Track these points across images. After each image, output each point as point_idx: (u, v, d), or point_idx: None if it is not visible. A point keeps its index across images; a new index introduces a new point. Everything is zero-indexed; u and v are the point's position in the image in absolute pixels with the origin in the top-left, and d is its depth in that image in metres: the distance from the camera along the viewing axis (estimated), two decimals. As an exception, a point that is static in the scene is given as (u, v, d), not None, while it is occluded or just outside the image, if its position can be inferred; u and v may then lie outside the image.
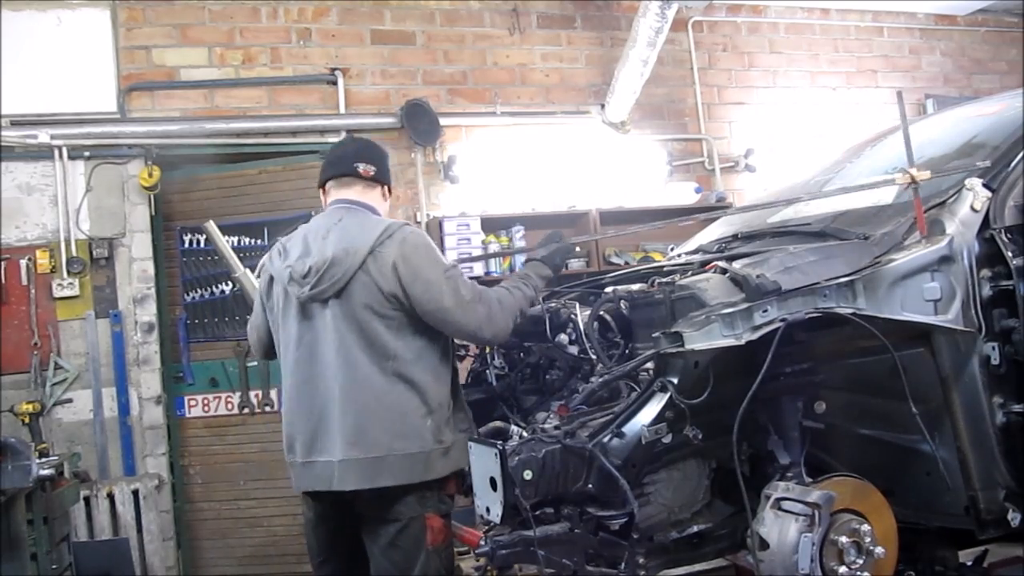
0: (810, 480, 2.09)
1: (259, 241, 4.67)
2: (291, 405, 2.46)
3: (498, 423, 2.46)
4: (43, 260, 4.42)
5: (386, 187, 2.65)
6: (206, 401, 4.82)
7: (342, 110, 4.99)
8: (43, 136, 4.43)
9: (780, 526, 1.95)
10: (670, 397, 2.01)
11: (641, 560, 2.13)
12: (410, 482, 2.33)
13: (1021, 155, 2.37)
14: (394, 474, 2.32)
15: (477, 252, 4.88)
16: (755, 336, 1.97)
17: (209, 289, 4.81)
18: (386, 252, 2.35)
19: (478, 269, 4.87)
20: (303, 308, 2.41)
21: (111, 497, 4.25)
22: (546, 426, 2.17)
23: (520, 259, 5.10)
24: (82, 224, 4.52)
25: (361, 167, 2.55)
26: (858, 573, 1.99)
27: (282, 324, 2.49)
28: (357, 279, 2.34)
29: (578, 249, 2.91)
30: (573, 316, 2.58)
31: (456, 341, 2.58)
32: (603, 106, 5.47)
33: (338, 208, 2.52)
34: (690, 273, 2.45)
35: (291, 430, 2.45)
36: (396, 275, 2.34)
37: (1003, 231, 2.25)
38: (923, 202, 2.36)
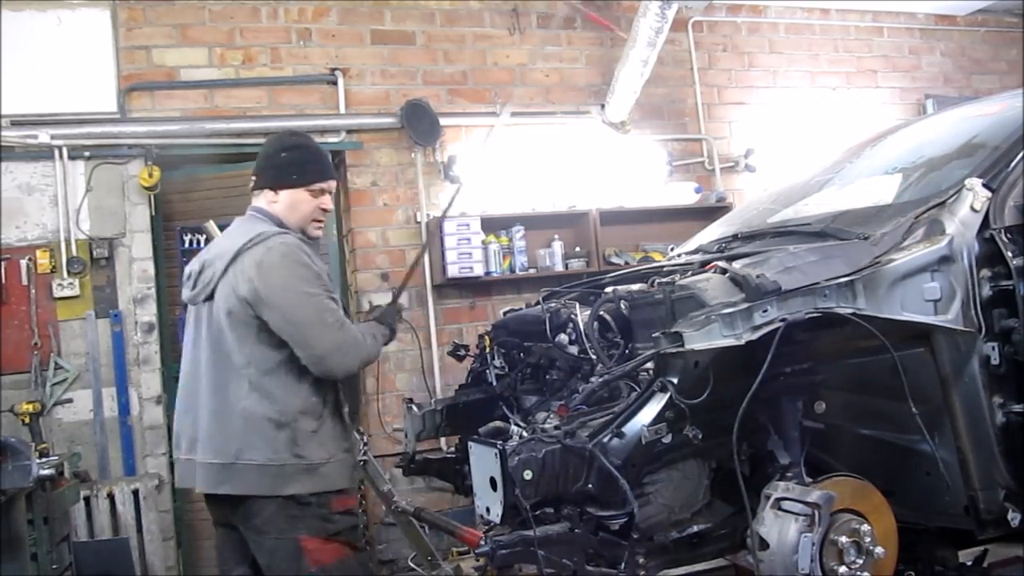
0: (810, 480, 2.09)
1: (259, 241, 4.66)
2: (178, 403, 2.57)
3: (498, 423, 2.46)
4: (43, 260, 4.42)
5: (271, 189, 2.54)
6: (206, 401, 4.81)
7: (342, 110, 4.99)
8: (43, 136, 4.43)
9: (780, 526, 1.95)
10: (670, 397, 2.01)
11: (641, 560, 2.13)
12: (259, 494, 2.30)
13: (1021, 155, 2.37)
14: (240, 483, 2.32)
15: (477, 252, 4.87)
16: (755, 336, 1.97)
17: (209, 289, 4.80)
18: (248, 257, 2.36)
19: (478, 270, 4.87)
20: (191, 310, 2.55)
21: (111, 497, 4.24)
22: (546, 426, 2.17)
23: (521, 260, 5.11)
24: (82, 224, 4.52)
25: (252, 180, 2.58)
26: (858, 573, 1.99)
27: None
28: (222, 283, 2.38)
29: (405, 312, 2.86)
30: (573, 316, 2.59)
31: None
32: (603, 106, 5.47)
33: (242, 217, 2.59)
34: (690, 273, 2.45)
35: (178, 427, 2.54)
36: (251, 280, 2.33)
37: (1003, 231, 2.25)
38: (923, 202, 2.36)
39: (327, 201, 2.59)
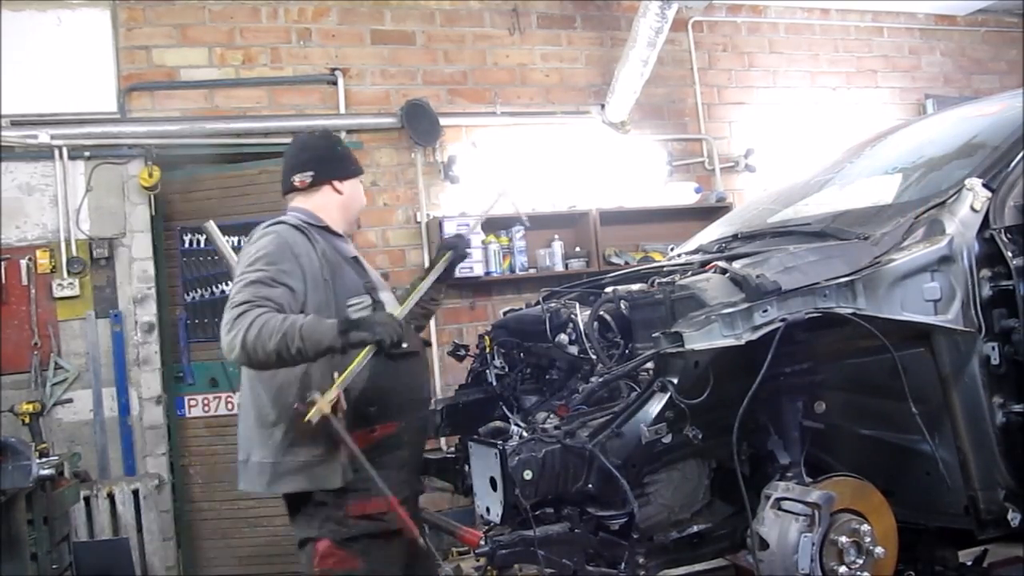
0: (810, 480, 2.09)
1: (259, 241, 4.66)
2: None
3: (498, 423, 2.46)
4: (43, 260, 4.41)
5: (337, 180, 2.55)
6: (206, 401, 4.81)
7: (342, 110, 4.99)
8: (43, 136, 4.43)
9: (780, 526, 1.95)
10: (670, 397, 2.01)
11: (641, 560, 2.13)
12: (260, 491, 2.35)
13: (1021, 155, 2.37)
14: (249, 480, 2.36)
15: (477, 252, 4.86)
16: (755, 336, 1.97)
17: (209, 289, 4.80)
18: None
19: (478, 270, 4.87)
20: None
21: (111, 497, 4.24)
22: (546, 426, 2.17)
23: (521, 260, 5.11)
24: (82, 224, 4.51)
25: (297, 179, 2.54)
26: (858, 573, 1.99)
27: None
28: None
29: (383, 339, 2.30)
30: (573, 316, 2.58)
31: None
32: (603, 106, 5.47)
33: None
34: (690, 273, 2.45)
35: None
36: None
37: (1003, 231, 2.25)
38: (923, 202, 2.36)
39: None
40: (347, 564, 2.25)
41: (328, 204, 2.53)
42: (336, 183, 2.54)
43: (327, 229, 2.50)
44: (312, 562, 2.28)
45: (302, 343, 2.12)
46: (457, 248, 2.62)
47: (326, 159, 2.57)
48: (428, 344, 2.74)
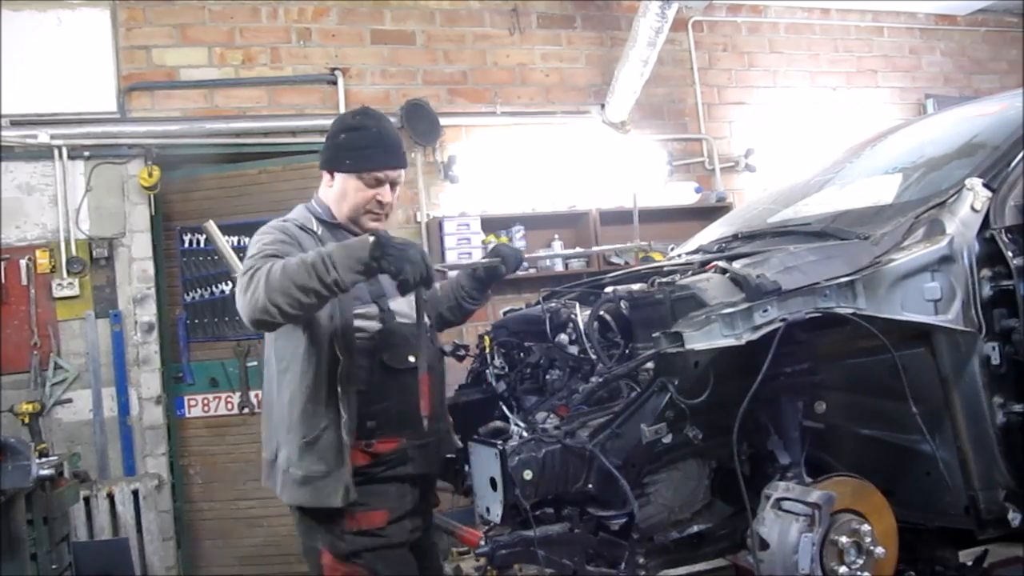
0: (810, 480, 2.09)
1: (259, 241, 4.66)
2: None
3: (498, 423, 2.45)
4: (43, 260, 4.42)
5: (326, 171, 2.35)
6: (206, 401, 4.82)
7: (342, 110, 4.99)
8: (43, 136, 4.43)
9: (780, 526, 1.95)
10: (670, 397, 2.00)
11: (641, 560, 2.12)
12: (277, 496, 2.26)
13: (1021, 155, 2.37)
14: (271, 480, 2.29)
15: (477, 252, 4.87)
16: (755, 336, 1.96)
17: (209, 289, 4.81)
18: None
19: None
20: None
21: (111, 497, 4.25)
22: (546, 426, 2.17)
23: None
24: (82, 224, 4.51)
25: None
26: (858, 573, 1.99)
27: None
28: None
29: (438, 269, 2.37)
30: (573, 316, 2.58)
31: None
32: (603, 106, 5.47)
33: None
34: (690, 273, 2.45)
35: None
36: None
37: (1003, 231, 2.25)
38: (923, 202, 2.36)
39: (385, 193, 2.30)
40: None
41: (330, 196, 2.35)
42: (326, 175, 2.35)
43: (340, 226, 2.32)
44: (319, 573, 2.22)
45: (333, 267, 1.94)
46: (507, 261, 2.48)
47: (327, 147, 2.36)
48: (446, 354, 2.56)
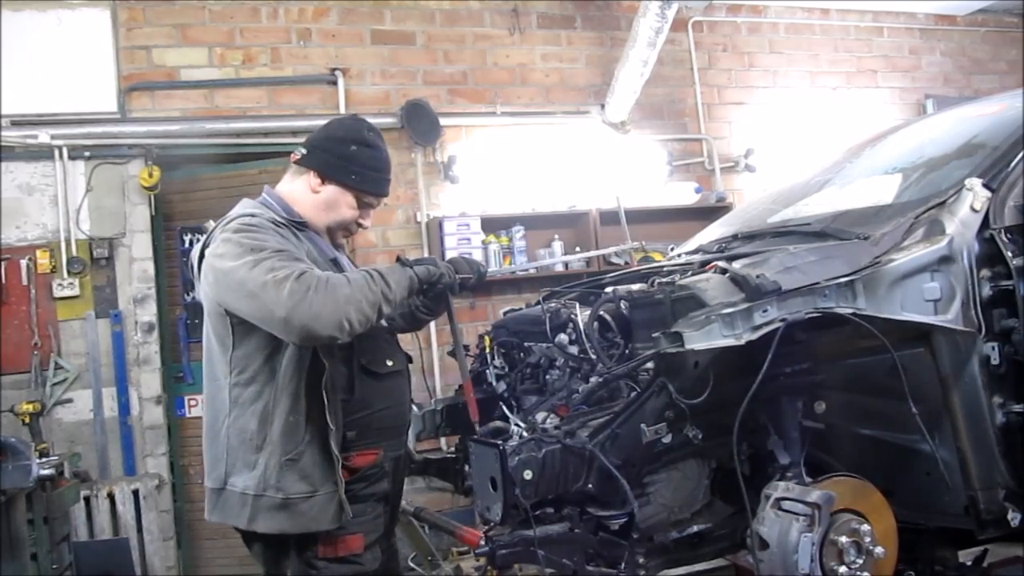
0: (810, 480, 2.09)
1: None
2: None
3: (498, 423, 2.45)
4: (43, 260, 4.42)
5: (320, 175, 2.17)
6: (206, 401, 4.82)
7: (342, 110, 4.99)
8: (43, 136, 4.43)
9: (780, 526, 1.95)
10: (670, 397, 2.00)
11: (641, 560, 2.12)
12: (239, 526, 2.03)
13: (1021, 155, 2.37)
14: (226, 511, 2.04)
15: (477, 252, 4.87)
16: (755, 336, 1.96)
17: (209, 289, 4.80)
18: (211, 244, 2.04)
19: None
20: None
21: (111, 497, 4.25)
22: (546, 426, 2.16)
23: (520, 260, 5.11)
24: (82, 224, 4.52)
25: (296, 151, 2.23)
26: (858, 573, 1.99)
27: None
28: (200, 277, 2.09)
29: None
30: (573, 316, 2.58)
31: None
32: (603, 106, 5.47)
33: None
34: (690, 273, 2.45)
35: None
36: (212, 268, 2.00)
37: (1003, 231, 2.25)
38: (923, 202, 2.36)
39: (368, 218, 2.27)
40: None
41: (303, 196, 2.19)
42: (316, 177, 2.18)
43: (305, 225, 2.18)
44: None
45: (373, 292, 1.93)
46: (453, 275, 2.24)
47: (329, 148, 2.20)
48: (411, 360, 2.42)
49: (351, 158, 2.18)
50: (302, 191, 2.21)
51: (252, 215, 2.08)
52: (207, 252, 2.04)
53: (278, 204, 2.19)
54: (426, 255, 4.92)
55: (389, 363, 2.19)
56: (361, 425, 2.11)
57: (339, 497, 2.00)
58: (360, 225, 2.27)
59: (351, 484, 2.07)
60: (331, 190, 2.19)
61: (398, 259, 2.15)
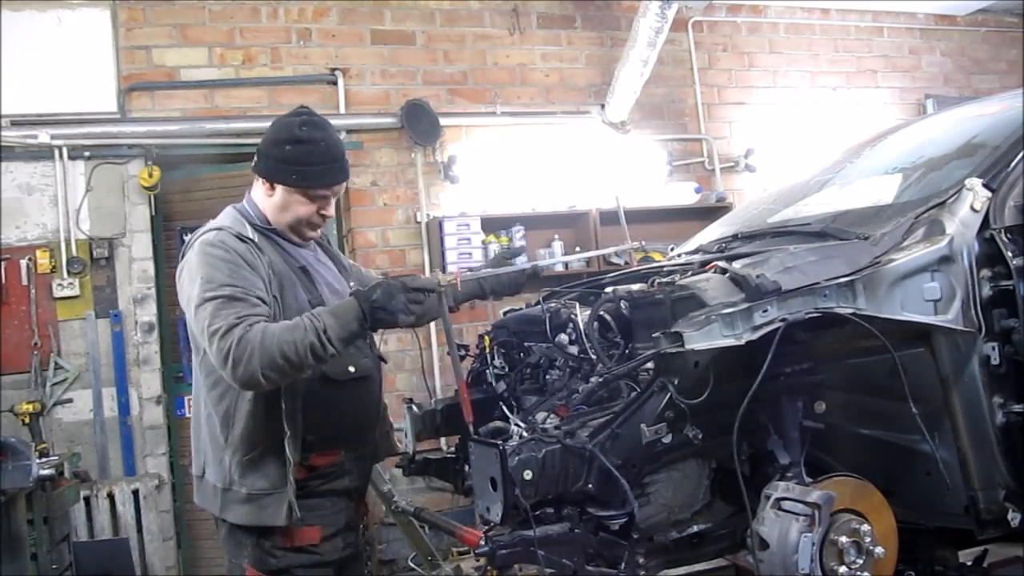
0: (810, 480, 2.09)
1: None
2: None
3: (498, 423, 2.45)
4: (43, 260, 4.42)
5: (266, 181, 2.22)
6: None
7: (342, 110, 5.00)
8: (43, 136, 4.43)
9: (780, 526, 1.95)
10: (670, 397, 2.00)
11: (641, 560, 2.12)
12: (214, 512, 2.21)
13: (1021, 155, 2.37)
14: (203, 497, 2.25)
15: (477, 252, 4.87)
16: (755, 336, 1.96)
17: (209, 289, 4.80)
18: (183, 259, 2.20)
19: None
20: None
21: (111, 497, 4.25)
22: (546, 426, 2.16)
23: (520, 260, 5.10)
24: (82, 224, 4.52)
25: (253, 161, 2.28)
26: (858, 573, 1.99)
27: None
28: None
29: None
30: (573, 316, 2.58)
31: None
32: (603, 106, 5.47)
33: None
34: (690, 273, 2.45)
35: None
36: (179, 288, 2.18)
37: (1003, 231, 2.25)
38: (923, 202, 2.36)
39: (329, 208, 2.28)
40: None
41: (262, 202, 2.26)
42: (265, 183, 2.24)
43: (277, 232, 2.27)
44: None
45: (329, 342, 1.97)
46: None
47: (268, 152, 2.23)
48: (384, 361, 2.50)
49: (287, 159, 2.20)
50: (260, 196, 2.29)
51: (220, 230, 2.16)
52: (183, 262, 2.19)
53: (253, 211, 2.28)
54: (427, 256, 4.94)
55: (352, 370, 2.25)
56: (321, 429, 2.19)
57: (288, 499, 2.09)
58: (323, 216, 2.29)
59: (309, 480, 2.18)
60: (279, 192, 2.23)
61: (359, 308, 2.04)
